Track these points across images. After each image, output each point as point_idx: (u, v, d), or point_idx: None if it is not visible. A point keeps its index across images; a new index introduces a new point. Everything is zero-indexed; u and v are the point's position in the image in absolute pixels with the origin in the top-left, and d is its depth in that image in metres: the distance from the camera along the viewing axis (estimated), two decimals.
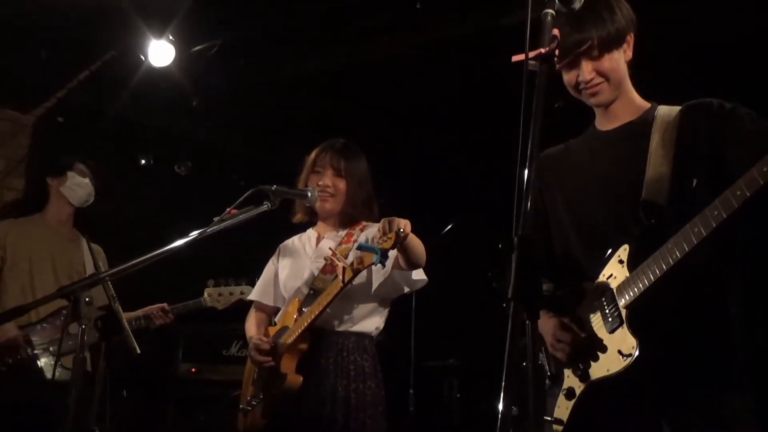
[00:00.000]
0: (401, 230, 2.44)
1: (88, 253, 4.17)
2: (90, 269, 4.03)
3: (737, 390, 1.90)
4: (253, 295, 3.19)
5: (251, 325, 3.14)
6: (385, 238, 2.48)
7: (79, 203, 4.23)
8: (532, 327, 1.34)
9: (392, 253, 2.58)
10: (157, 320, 3.95)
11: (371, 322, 2.92)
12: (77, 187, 4.19)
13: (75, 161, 4.24)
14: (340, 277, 2.67)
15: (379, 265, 2.54)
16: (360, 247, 2.61)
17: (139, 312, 3.96)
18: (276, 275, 3.13)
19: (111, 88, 5.19)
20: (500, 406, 1.25)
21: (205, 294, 3.98)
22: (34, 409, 3.64)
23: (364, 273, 2.74)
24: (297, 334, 2.79)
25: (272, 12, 4.66)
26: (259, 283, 3.19)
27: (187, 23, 4.64)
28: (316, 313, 2.75)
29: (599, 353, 1.96)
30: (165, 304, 3.99)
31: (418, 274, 2.83)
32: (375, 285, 2.82)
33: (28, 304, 2.52)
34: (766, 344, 3.89)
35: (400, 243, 2.49)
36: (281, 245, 3.20)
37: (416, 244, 2.64)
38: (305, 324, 2.77)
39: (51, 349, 3.75)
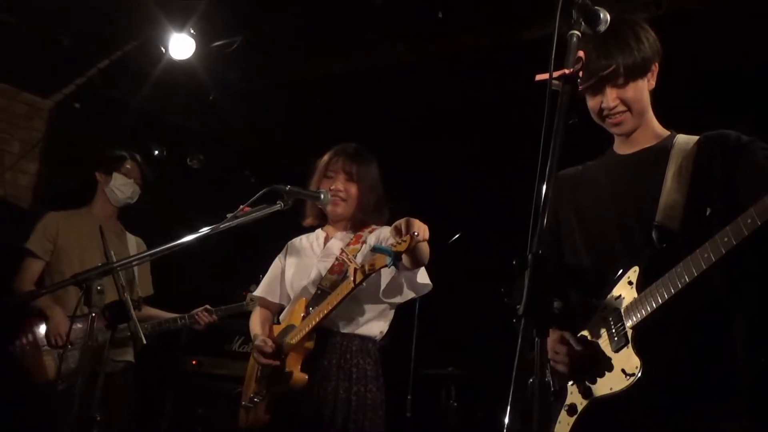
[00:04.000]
0: (417, 234, 2.45)
1: (133, 246, 4.23)
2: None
3: (737, 416, 1.91)
4: (259, 291, 3.20)
5: (255, 323, 3.14)
6: (399, 241, 2.48)
7: (118, 204, 4.28)
8: (541, 344, 1.35)
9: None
10: (204, 320, 4.04)
11: (376, 325, 2.93)
12: (118, 189, 4.22)
13: (125, 159, 4.27)
14: (351, 278, 2.68)
15: (391, 266, 2.54)
16: (374, 249, 2.61)
17: (185, 314, 4.08)
18: (282, 273, 3.14)
19: (130, 77, 5.23)
20: (506, 420, 1.26)
21: (248, 298, 4.08)
22: (42, 394, 3.68)
23: (374, 275, 2.75)
24: (304, 333, 2.80)
25: (293, 13, 4.69)
26: (265, 280, 3.20)
27: (209, 18, 4.68)
28: (325, 312, 2.75)
29: (603, 371, 1.98)
30: (208, 305, 4.08)
31: (423, 278, 2.83)
32: (383, 286, 2.82)
33: (42, 289, 2.54)
34: None
35: (413, 248, 2.50)
36: (289, 243, 3.21)
37: (425, 247, 2.64)
38: (312, 323, 2.78)
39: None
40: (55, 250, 4.04)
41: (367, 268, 2.63)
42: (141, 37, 4.92)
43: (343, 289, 2.72)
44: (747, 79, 4.32)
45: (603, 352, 1.99)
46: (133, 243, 4.30)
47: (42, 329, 3.83)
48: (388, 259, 2.48)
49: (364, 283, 2.74)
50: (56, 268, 4.01)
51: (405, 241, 2.46)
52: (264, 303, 3.20)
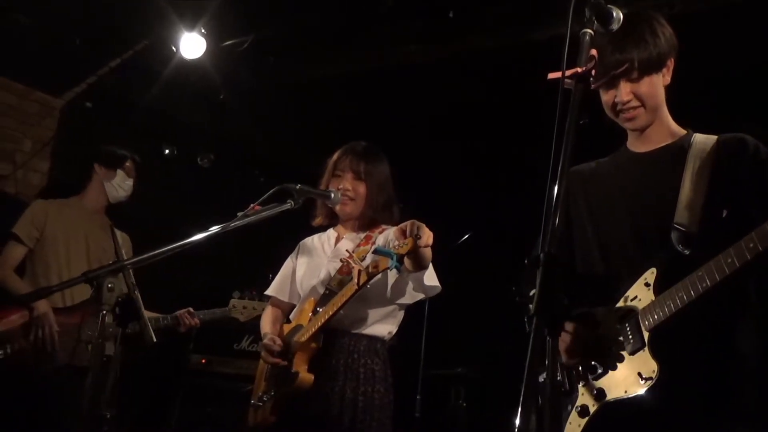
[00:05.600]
0: (419, 238, 2.43)
1: (118, 241, 4.24)
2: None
3: (753, 422, 1.89)
4: (270, 290, 3.21)
5: (266, 322, 3.14)
6: (401, 243, 2.47)
7: (114, 201, 4.30)
8: (553, 344, 1.34)
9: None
10: (186, 321, 4.03)
11: (384, 326, 2.92)
12: (120, 187, 4.27)
13: (127, 158, 4.30)
14: (355, 279, 2.67)
15: (394, 269, 2.54)
16: (376, 251, 2.59)
17: (167, 315, 4.06)
18: (294, 272, 3.14)
19: (141, 77, 5.25)
20: (517, 421, 1.25)
21: (231, 304, 4.05)
22: (46, 391, 3.69)
23: (381, 276, 2.75)
24: (310, 333, 2.79)
25: (304, 13, 4.70)
26: (277, 278, 3.20)
27: (220, 17, 4.69)
28: (330, 313, 2.75)
29: (617, 373, 1.96)
30: (190, 308, 4.07)
31: (431, 280, 2.82)
32: (389, 287, 2.81)
33: (54, 286, 2.55)
34: None
35: (415, 251, 2.48)
36: (300, 243, 3.21)
37: (426, 250, 2.61)
38: (318, 324, 2.77)
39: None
40: (41, 239, 4.04)
41: (370, 269, 2.61)
42: (152, 36, 4.94)
43: (347, 290, 2.71)
44: (760, 80, 4.29)
45: (617, 355, 1.97)
46: (119, 239, 4.31)
47: (25, 319, 3.80)
48: (390, 262, 2.46)
49: (370, 285, 2.73)
50: (40, 257, 4.02)
51: (407, 244, 2.44)
52: (275, 302, 3.20)
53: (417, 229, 2.47)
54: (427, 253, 2.63)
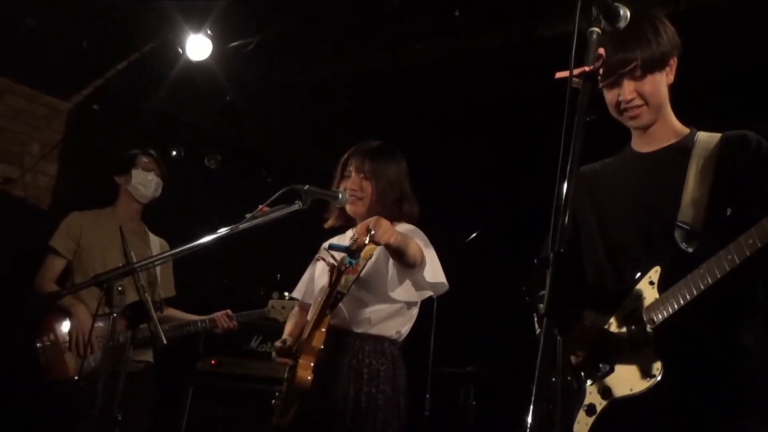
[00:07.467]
0: (373, 234, 2.44)
1: (156, 247, 4.27)
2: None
3: (760, 417, 1.89)
4: (294, 292, 3.24)
5: (288, 324, 3.18)
6: (351, 241, 2.48)
7: (145, 200, 4.33)
8: (563, 342, 1.35)
9: (378, 252, 2.59)
10: (223, 324, 4.07)
11: (391, 324, 2.89)
12: (141, 185, 4.27)
13: (137, 155, 4.31)
14: (327, 278, 2.69)
15: (391, 263, 2.54)
16: (330, 247, 2.60)
17: (206, 317, 4.10)
18: (314, 274, 3.14)
19: (148, 79, 5.26)
20: (529, 420, 1.26)
21: (269, 305, 4.09)
22: (60, 392, 3.72)
23: (382, 273, 2.76)
24: (307, 333, 2.77)
25: (310, 12, 4.70)
26: (301, 281, 3.23)
27: (226, 18, 4.70)
28: (317, 313, 2.73)
29: (622, 371, 1.97)
30: (229, 311, 4.11)
31: (434, 277, 2.78)
32: (388, 284, 2.78)
33: (63, 290, 2.56)
34: None
35: (389, 247, 2.51)
36: (323, 245, 3.19)
37: (402, 244, 2.59)
38: (311, 323, 2.76)
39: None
40: (78, 250, 4.07)
41: (337, 267, 2.62)
42: (158, 38, 4.95)
43: (326, 290, 2.71)
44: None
45: (622, 353, 1.98)
46: (157, 244, 4.33)
47: (64, 327, 3.87)
48: (346, 258, 2.48)
49: (373, 282, 2.74)
50: (79, 268, 4.04)
51: (357, 240, 2.46)
52: (300, 304, 3.24)
53: (370, 225, 2.47)
54: (410, 249, 2.61)
